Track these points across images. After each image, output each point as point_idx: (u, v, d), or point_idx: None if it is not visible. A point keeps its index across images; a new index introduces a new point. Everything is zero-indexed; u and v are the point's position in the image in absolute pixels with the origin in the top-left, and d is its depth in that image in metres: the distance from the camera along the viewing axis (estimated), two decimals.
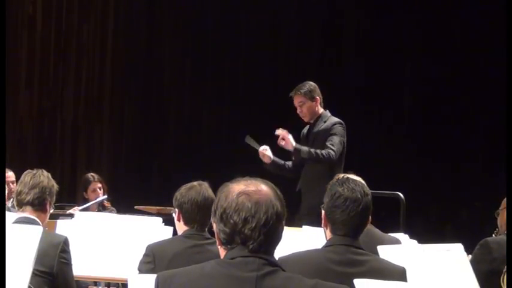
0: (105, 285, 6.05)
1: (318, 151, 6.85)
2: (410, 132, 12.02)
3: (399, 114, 12.17)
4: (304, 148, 6.89)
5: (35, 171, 4.57)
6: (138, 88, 11.63)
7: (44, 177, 4.52)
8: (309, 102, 7.03)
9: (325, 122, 7.03)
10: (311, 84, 7.12)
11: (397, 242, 4.86)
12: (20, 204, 4.48)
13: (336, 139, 6.89)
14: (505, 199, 4.92)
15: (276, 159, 7.13)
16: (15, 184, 7.01)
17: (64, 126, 11.09)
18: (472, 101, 11.78)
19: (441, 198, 11.47)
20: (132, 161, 11.43)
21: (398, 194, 7.48)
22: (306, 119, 7.11)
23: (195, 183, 4.44)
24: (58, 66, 11.03)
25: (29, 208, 4.44)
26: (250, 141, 7.12)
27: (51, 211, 4.59)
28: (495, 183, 5.65)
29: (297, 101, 7.08)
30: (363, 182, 3.73)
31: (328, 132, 6.94)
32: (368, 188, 3.61)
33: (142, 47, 11.67)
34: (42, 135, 10.96)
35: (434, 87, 12.00)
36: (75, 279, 5.26)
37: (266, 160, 7.10)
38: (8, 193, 6.95)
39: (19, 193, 4.48)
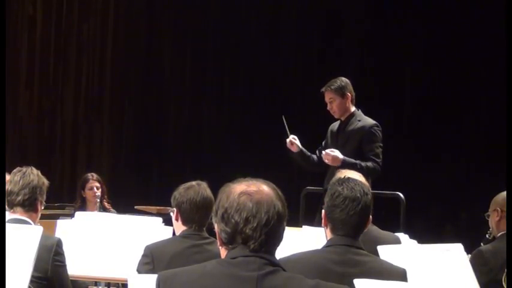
0: (105, 285, 6.05)
1: (364, 164, 6.63)
2: (411, 132, 12.02)
3: (399, 114, 12.17)
4: (351, 161, 6.65)
5: (24, 169, 4.46)
6: (138, 88, 11.63)
7: (34, 175, 4.42)
8: (340, 98, 6.79)
9: (359, 121, 6.83)
10: (343, 80, 6.86)
11: (395, 239, 4.86)
12: (11, 205, 4.39)
13: (377, 150, 6.74)
14: (493, 201, 4.93)
15: (304, 149, 6.93)
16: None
17: (64, 126, 11.09)
18: (472, 101, 11.78)
19: (441, 198, 11.46)
20: (132, 161, 11.43)
21: (398, 194, 7.46)
22: (336, 116, 6.88)
23: (193, 182, 4.43)
24: (58, 66, 11.03)
25: (19, 209, 4.36)
26: (285, 122, 6.92)
27: (43, 208, 4.53)
28: (495, 183, 5.64)
29: (327, 97, 6.83)
30: (363, 181, 3.73)
31: (365, 136, 6.75)
32: (368, 188, 3.61)
33: (142, 47, 11.67)
34: (42, 135, 10.96)
35: (435, 87, 12.00)
36: (76, 279, 5.28)
37: (294, 149, 6.86)
38: None
39: (9, 193, 4.39)
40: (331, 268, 3.38)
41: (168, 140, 11.75)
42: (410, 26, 12.17)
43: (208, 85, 11.96)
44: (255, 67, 11.80)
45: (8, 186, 4.45)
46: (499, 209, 4.83)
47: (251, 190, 2.56)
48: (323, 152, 6.73)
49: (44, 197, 4.48)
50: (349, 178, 3.62)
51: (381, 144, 6.81)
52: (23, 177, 4.42)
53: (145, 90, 11.64)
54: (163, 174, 11.33)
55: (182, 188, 4.42)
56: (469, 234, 7.86)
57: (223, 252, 2.59)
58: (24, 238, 3.82)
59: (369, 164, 6.68)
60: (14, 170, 4.51)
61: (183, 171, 10.69)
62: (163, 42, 11.79)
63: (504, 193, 4.87)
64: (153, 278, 2.70)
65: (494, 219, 4.87)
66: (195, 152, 11.50)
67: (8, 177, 4.65)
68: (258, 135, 11.33)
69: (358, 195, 3.50)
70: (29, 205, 4.38)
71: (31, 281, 3.89)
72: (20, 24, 10.83)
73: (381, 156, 6.77)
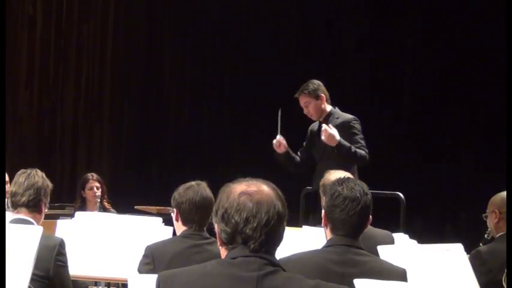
0: (105, 285, 6.06)
1: (358, 150, 6.72)
2: (411, 132, 12.01)
3: (399, 114, 12.17)
4: (346, 144, 6.70)
5: (29, 171, 4.49)
6: (138, 88, 11.63)
7: (39, 177, 4.45)
8: (314, 101, 6.89)
9: (337, 118, 6.88)
10: (314, 82, 6.97)
11: (388, 236, 4.87)
12: (15, 206, 4.42)
13: (362, 141, 6.80)
14: (490, 202, 4.92)
15: (290, 150, 6.99)
16: (8, 184, 6.95)
17: (64, 126, 11.09)
18: (473, 102, 11.78)
19: (441, 198, 11.46)
20: (132, 161, 11.43)
21: (398, 194, 7.47)
22: (313, 118, 6.97)
23: (193, 183, 4.43)
24: (58, 66, 11.03)
25: (24, 210, 4.39)
26: (279, 117, 6.96)
27: (46, 210, 4.55)
28: (495, 183, 5.64)
29: (302, 102, 6.94)
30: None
31: (346, 130, 6.79)
32: (368, 188, 3.61)
33: (142, 47, 11.67)
34: (42, 135, 10.96)
35: (435, 87, 12.00)
36: (76, 279, 5.28)
37: (281, 149, 6.94)
38: None
39: (14, 194, 4.42)
40: (331, 268, 3.38)
41: (168, 140, 11.75)
42: (410, 25, 12.17)
43: (208, 85, 11.96)
44: (255, 67, 11.80)
45: (12, 188, 4.48)
46: (497, 210, 4.81)
47: (251, 190, 2.56)
48: (323, 125, 6.76)
49: (48, 199, 4.51)
50: (348, 178, 3.63)
51: (363, 136, 6.86)
52: (28, 178, 4.45)
53: (145, 90, 11.64)
54: (163, 174, 11.33)
55: (182, 188, 4.42)
56: (469, 234, 7.85)
57: (223, 252, 2.59)
58: (25, 238, 3.82)
59: (362, 151, 6.75)
60: (19, 172, 4.54)
61: (183, 171, 10.68)
62: (163, 42, 11.79)
63: (501, 194, 4.85)
64: (153, 278, 2.70)
65: (492, 220, 4.86)
66: (195, 152, 11.50)
67: (8, 178, 4.66)
68: (258, 135, 11.32)
69: (358, 195, 3.50)
70: (33, 206, 4.41)
71: (33, 280, 3.91)
72: (20, 24, 10.84)
73: (366, 148, 6.83)
